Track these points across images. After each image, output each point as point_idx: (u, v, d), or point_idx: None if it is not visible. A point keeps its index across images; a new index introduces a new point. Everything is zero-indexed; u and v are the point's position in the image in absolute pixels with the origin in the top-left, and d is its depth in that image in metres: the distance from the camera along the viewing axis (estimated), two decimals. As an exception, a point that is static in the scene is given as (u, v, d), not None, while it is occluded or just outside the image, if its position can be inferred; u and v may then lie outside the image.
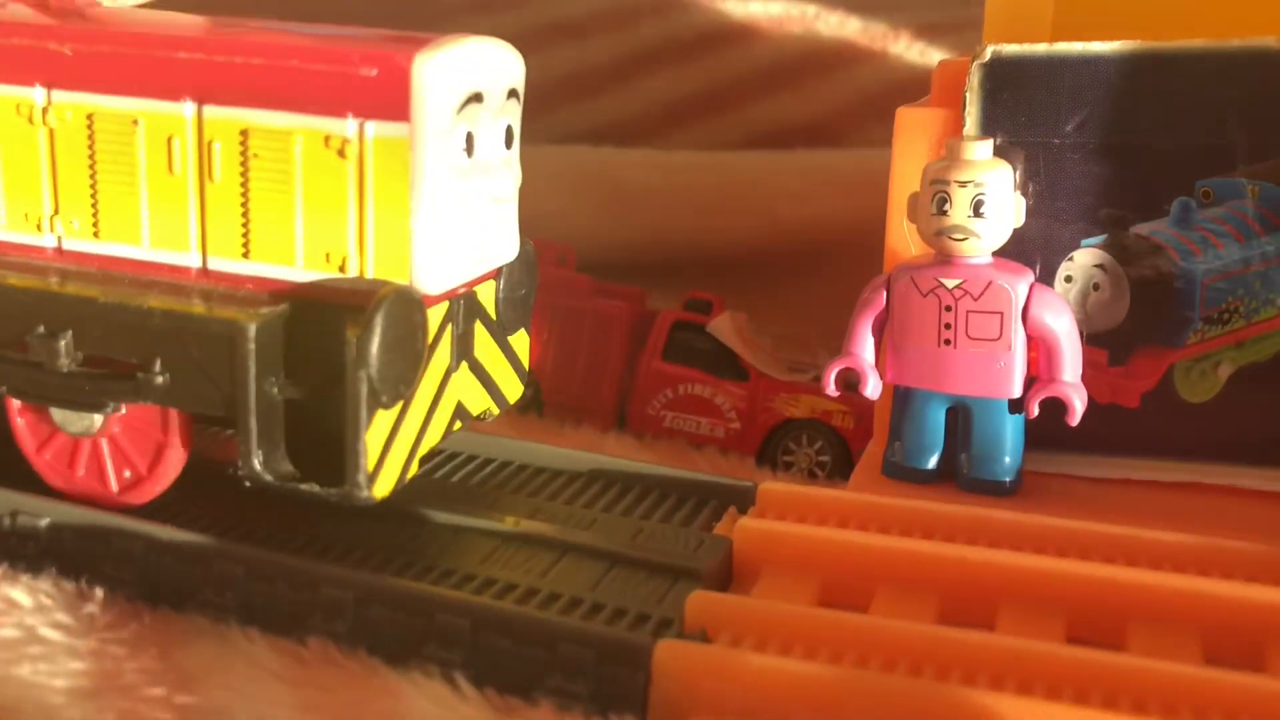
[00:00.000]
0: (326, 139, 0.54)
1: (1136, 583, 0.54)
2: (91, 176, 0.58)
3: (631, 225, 1.06)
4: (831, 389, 0.68)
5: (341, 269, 0.55)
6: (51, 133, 0.58)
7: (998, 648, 0.50)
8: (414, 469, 0.57)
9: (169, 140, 0.57)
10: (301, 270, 0.56)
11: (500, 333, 0.63)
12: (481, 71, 0.56)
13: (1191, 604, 0.53)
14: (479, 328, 0.61)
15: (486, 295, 0.61)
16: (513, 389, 0.65)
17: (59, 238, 0.60)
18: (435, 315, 0.57)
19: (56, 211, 0.59)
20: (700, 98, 1.13)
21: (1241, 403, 0.66)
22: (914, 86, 0.74)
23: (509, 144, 0.59)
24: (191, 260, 0.58)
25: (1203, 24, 0.65)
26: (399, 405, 0.55)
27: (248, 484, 0.55)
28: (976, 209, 0.63)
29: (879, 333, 0.67)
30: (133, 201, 0.58)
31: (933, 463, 0.67)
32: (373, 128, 0.53)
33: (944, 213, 0.63)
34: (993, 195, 0.63)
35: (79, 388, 0.57)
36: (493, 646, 0.52)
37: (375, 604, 0.53)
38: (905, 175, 0.68)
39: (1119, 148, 0.66)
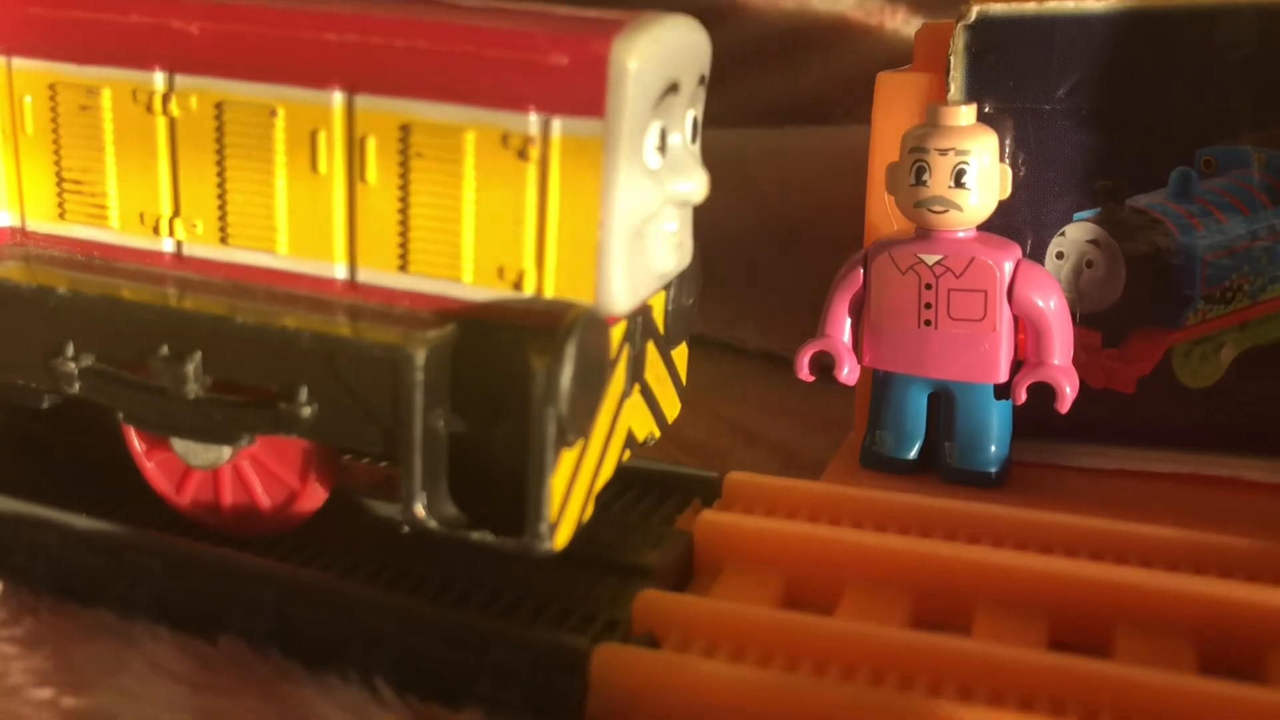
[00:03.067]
0: (504, 137, 0.47)
1: (1125, 582, 0.50)
2: (219, 174, 0.51)
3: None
4: (806, 373, 0.64)
5: (516, 286, 0.48)
6: (173, 123, 0.51)
7: (967, 654, 0.46)
8: (590, 510, 0.50)
9: (312, 134, 0.49)
10: (468, 286, 0.48)
11: (666, 347, 0.55)
12: (677, 57, 0.48)
13: (1185, 606, 0.49)
14: (650, 346, 0.54)
15: (657, 308, 0.53)
16: (672, 406, 0.57)
17: (178, 243, 0.52)
18: (615, 337, 0.49)
19: (176, 213, 0.52)
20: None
21: (1246, 389, 0.63)
22: (909, 63, 0.70)
23: (694, 137, 0.51)
24: (336, 272, 0.50)
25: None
26: (581, 442, 0.48)
27: (406, 530, 0.48)
28: (958, 179, 0.59)
29: (857, 313, 0.63)
30: (267, 204, 0.50)
31: (914, 452, 0.64)
32: (560, 124, 0.46)
33: (923, 183, 0.59)
34: (975, 164, 0.59)
35: (209, 417, 0.50)
36: (419, 650, 0.48)
37: (297, 601, 0.49)
38: (886, 145, 0.65)
39: (1114, 113, 0.62)
